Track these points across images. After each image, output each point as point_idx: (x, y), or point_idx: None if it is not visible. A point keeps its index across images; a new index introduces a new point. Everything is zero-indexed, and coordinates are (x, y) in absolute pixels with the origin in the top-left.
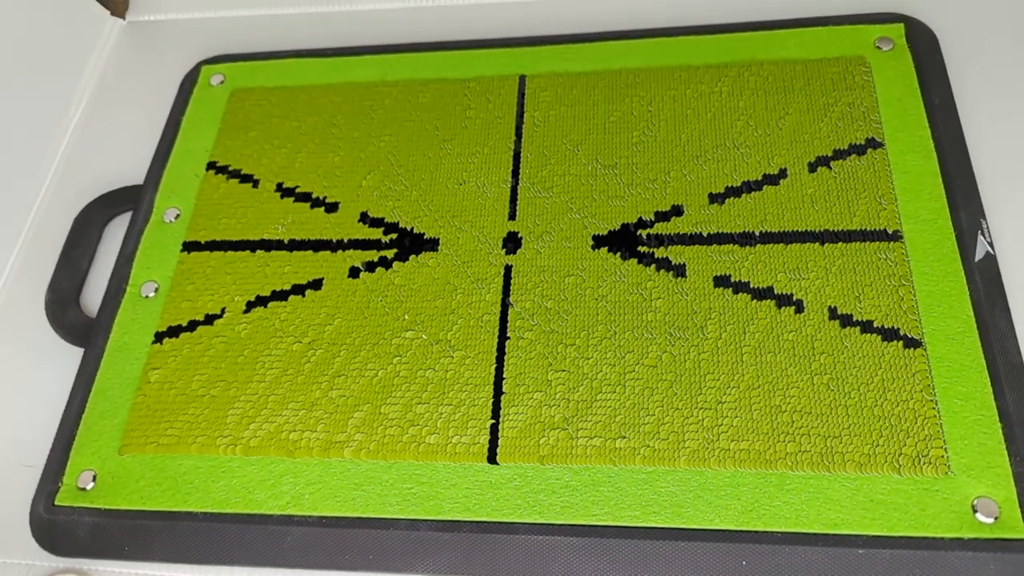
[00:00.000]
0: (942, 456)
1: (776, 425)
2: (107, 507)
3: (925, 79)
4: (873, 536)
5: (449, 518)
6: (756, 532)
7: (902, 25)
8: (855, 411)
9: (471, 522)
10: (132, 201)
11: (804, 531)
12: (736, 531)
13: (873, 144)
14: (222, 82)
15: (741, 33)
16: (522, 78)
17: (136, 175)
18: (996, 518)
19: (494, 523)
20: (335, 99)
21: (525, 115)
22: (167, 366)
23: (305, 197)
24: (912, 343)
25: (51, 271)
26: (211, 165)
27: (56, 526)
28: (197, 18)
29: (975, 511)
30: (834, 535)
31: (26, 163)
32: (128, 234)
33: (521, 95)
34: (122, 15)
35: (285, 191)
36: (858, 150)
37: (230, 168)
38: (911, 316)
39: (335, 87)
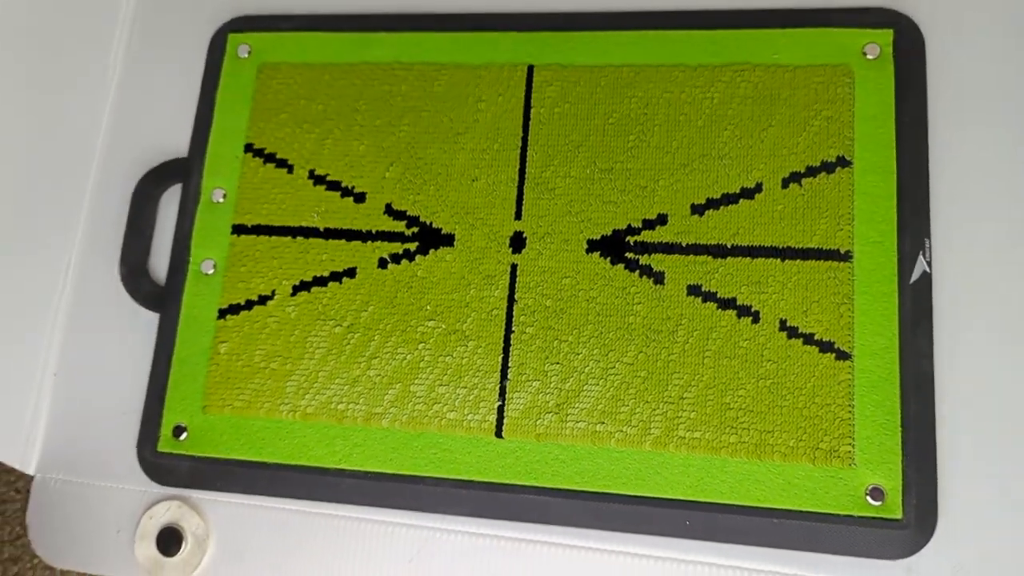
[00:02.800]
0: (849, 452)
1: (724, 419)
2: (198, 455)
3: (902, 93)
4: (786, 510)
5: (465, 478)
6: (699, 502)
7: (891, 32)
8: (788, 411)
9: (483, 482)
10: (178, 174)
11: (735, 503)
12: (684, 500)
13: (842, 163)
14: (249, 54)
15: (735, 30)
16: (530, 68)
17: (176, 146)
18: (882, 502)
19: (500, 484)
20: (356, 81)
21: (532, 111)
22: (232, 340)
23: (335, 186)
24: (843, 355)
25: (114, 243)
26: (248, 147)
27: (160, 466)
28: None
29: (867, 495)
30: (758, 507)
31: (76, 134)
32: (182, 211)
33: (528, 88)
34: None
35: (317, 179)
36: (828, 168)
37: (266, 151)
38: (846, 332)
39: (354, 68)
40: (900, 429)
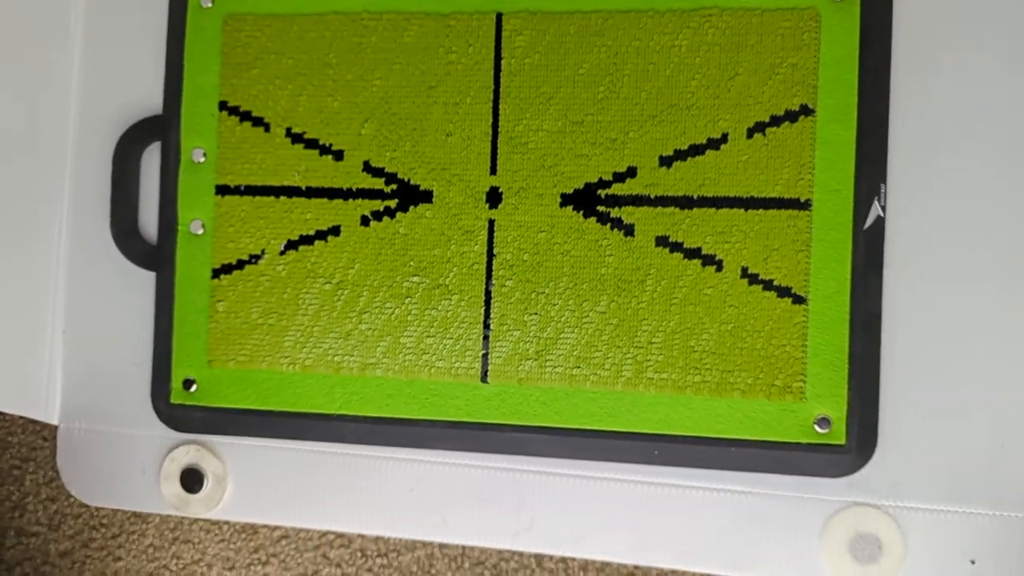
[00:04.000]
0: (801, 387)
1: (689, 361)
2: (209, 405)
3: (867, 38)
4: (743, 439)
5: (455, 419)
6: (666, 435)
7: None
8: (747, 352)
9: (471, 422)
10: (156, 132)
11: (698, 435)
12: (653, 433)
13: (805, 111)
14: (212, 3)
15: None
16: (499, 16)
17: (151, 102)
18: (828, 430)
19: (487, 423)
20: (325, 33)
21: (502, 63)
22: (228, 299)
23: (313, 144)
24: (799, 300)
25: (102, 204)
26: (223, 105)
27: (175, 415)
28: None
29: (815, 425)
30: (718, 438)
31: (49, 95)
32: (164, 171)
33: (498, 38)
34: None
35: (295, 137)
36: (791, 117)
37: (240, 109)
38: (803, 277)
39: (323, 19)
40: (847, 365)
